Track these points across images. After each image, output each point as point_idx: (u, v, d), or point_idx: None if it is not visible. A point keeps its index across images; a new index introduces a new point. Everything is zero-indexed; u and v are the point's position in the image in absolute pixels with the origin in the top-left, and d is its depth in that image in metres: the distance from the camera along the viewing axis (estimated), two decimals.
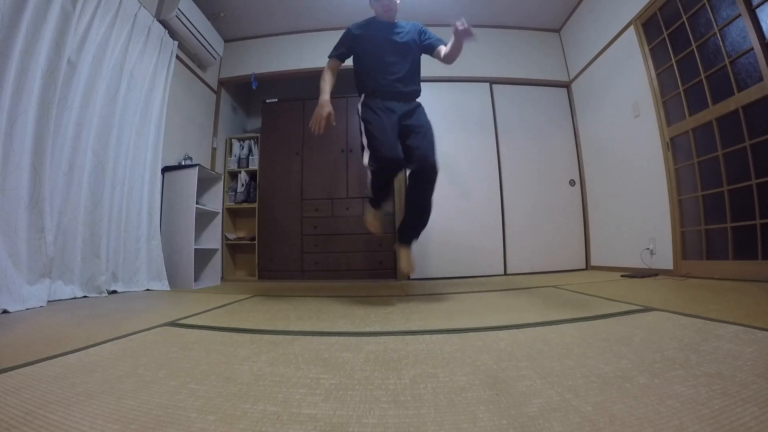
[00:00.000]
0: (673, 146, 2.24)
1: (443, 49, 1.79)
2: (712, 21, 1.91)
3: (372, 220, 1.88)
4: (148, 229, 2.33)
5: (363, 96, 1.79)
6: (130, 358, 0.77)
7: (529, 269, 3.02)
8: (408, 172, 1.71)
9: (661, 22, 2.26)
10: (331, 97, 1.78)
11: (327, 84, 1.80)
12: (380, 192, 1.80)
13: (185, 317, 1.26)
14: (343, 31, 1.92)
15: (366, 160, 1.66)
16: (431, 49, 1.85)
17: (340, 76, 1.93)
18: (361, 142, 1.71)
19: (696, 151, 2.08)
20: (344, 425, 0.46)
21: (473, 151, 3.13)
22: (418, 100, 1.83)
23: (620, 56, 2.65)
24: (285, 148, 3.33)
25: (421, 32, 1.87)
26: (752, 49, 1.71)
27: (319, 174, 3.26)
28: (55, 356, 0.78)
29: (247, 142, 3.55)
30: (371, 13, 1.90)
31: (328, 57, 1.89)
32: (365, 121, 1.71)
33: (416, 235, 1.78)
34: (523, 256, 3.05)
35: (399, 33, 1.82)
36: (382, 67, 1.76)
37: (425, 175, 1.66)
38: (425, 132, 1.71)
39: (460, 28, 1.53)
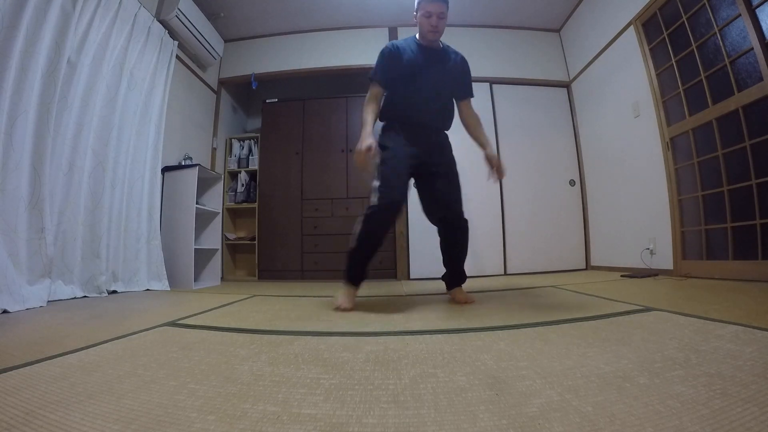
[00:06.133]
0: (673, 146, 2.24)
1: (467, 110, 1.69)
2: (712, 21, 1.91)
3: (345, 298, 1.43)
4: (148, 229, 2.33)
5: (384, 124, 1.61)
6: (130, 358, 0.77)
7: (529, 269, 3.02)
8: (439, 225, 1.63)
9: (661, 22, 2.26)
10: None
11: (369, 115, 1.53)
12: (366, 260, 1.47)
13: (185, 317, 1.26)
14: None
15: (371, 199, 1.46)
16: (459, 96, 1.68)
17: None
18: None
19: (696, 151, 2.08)
20: (344, 425, 0.46)
21: (473, 152, 3.11)
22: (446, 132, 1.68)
23: (620, 56, 2.64)
24: (285, 148, 3.33)
25: (465, 70, 1.66)
26: (752, 49, 1.71)
27: (319, 174, 3.26)
28: (55, 356, 0.78)
29: (247, 142, 3.55)
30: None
31: (370, 79, 1.61)
32: (381, 160, 1.52)
33: (462, 276, 1.64)
34: (523, 256, 3.05)
35: (444, 61, 1.61)
36: (418, 99, 1.56)
37: (458, 229, 1.59)
38: (453, 177, 1.61)
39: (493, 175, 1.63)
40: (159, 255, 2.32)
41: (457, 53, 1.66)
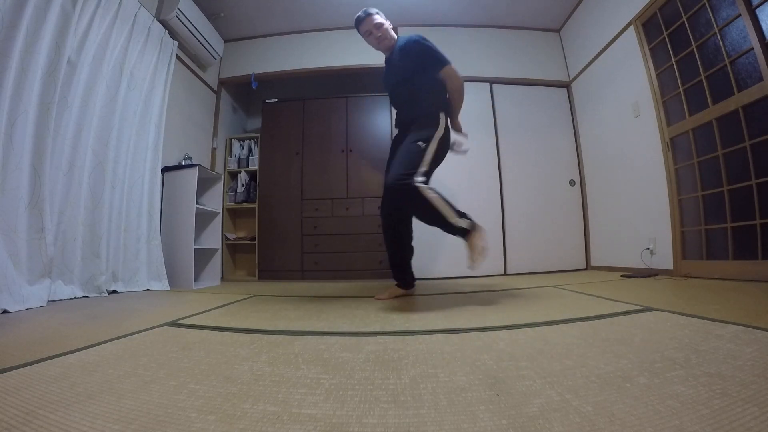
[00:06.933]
0: (673, 146, 2.24)
1: (446, 82, 1.65)
2: (712, 21, 1.91)
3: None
4: (148, 229, 2.33)
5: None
6: (130, 358, 0.77)
7: (529, 269, 3.02)
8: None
9: (661, 22, 2.26)
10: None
11: None
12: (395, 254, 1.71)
13: (185, 317, 1.26)
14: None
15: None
16: (430, 75, 1.65)
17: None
18: None
19: (696, 151, 2.08)
20: (344, 425, 0.46)
21: (473, 151, 3.11)
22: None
23: (620, 56, 2.64)
24: (285, 148, 3.33)
25: (408, 54, 1.61)
26: (752, 49, 1.71)
27: (319, 174, 3.26)
28: (55, 356, 0.78)
29: (247, 142, 3.55)
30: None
31: None
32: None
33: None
34: (523, 256, 3.04)
35: (394, 60, 1.69)
36: (394, 103, 1.81)
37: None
38: (402, 148, 1.56)
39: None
40: (159, 255, 2.32)
41: (402, 44, 1.63)
